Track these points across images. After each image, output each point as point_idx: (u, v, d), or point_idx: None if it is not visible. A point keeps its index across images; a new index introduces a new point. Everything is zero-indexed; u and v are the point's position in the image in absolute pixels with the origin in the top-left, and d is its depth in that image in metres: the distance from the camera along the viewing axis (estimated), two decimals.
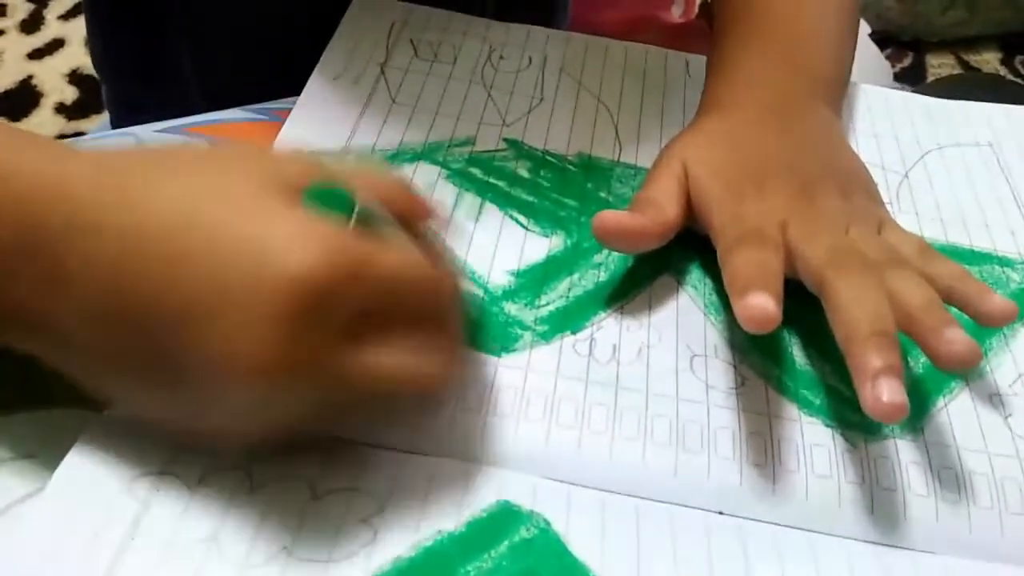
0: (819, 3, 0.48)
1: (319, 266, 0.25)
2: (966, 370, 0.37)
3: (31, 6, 1.55)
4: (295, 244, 0.25)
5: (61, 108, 1.38)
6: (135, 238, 0.25)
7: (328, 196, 0.27)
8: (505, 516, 0.30)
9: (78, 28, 1.45)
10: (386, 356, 0.27)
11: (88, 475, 0.30)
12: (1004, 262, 0.42)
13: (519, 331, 0.36)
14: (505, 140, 0.45)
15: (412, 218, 0.31)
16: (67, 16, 1.52)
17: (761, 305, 0.31)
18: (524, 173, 0.43)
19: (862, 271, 0.34)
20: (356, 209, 0.27)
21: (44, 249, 0.25)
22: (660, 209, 0.38)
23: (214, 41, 0.58)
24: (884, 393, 0.30)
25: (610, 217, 0.37)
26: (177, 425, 0.29)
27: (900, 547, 0.32)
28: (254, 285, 0.24)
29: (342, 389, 0.27)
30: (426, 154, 0.43)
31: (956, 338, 0.32)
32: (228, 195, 0.26)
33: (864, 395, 0.30)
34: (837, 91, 0.47)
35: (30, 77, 1.43)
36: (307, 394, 0.27)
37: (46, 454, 0.31)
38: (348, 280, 0.25)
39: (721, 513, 0.32)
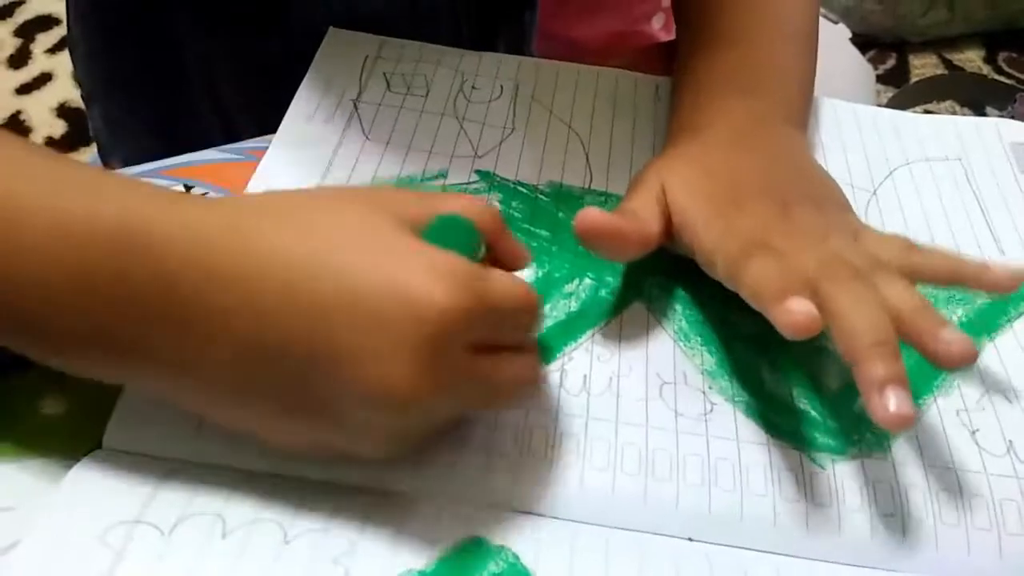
0: (780, 23, 0.49)
1: (453, 299, 0.28)
2: (964, 368, 0.38)
3: (18, 41, 1.56)
4: (429, 281, 0.28)
5: (50, 142, 1.38)
6: (274, 290, 0.28)
7: (447, 227, 0.31)
8: (474, 552, 0.31)
9: (65, 62, 1.45)
10: (506, 364, 0.31)
11: (63, 525, 0.30)
12: None
13: None
14: (477, 172, 0.45)
15: (498, 243, 0.34)
16: (54, 50, 1.53)
17: (805, 310, 0.32)
18: (496, 205, 0.44)
19: (854, 279, 0.34)
20: (477, 242, 0.32)
21: (179, 303, 0.28)
22: (643, 220, 0.38)
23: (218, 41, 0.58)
24: (892, 403, 0.30)
25: (594, 215, 0.37)
26: (319, 450, 0.31)
27: (867, 567, 0.32)
28: (399, 323, 0.27)
29: (477, 398, 0.31)
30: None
31: (952, 338, 0.33)
32: (357, 238, 0.29)
33: (872, 405, 0.31)
34: (802, 110, 0.47)
35: (18, 112, 1.44)
36: (450, 408, 0.31)
37: (25, 507, 0.31)
38: (475, 309, 0.29)
39: (691, 540, 0.32)
